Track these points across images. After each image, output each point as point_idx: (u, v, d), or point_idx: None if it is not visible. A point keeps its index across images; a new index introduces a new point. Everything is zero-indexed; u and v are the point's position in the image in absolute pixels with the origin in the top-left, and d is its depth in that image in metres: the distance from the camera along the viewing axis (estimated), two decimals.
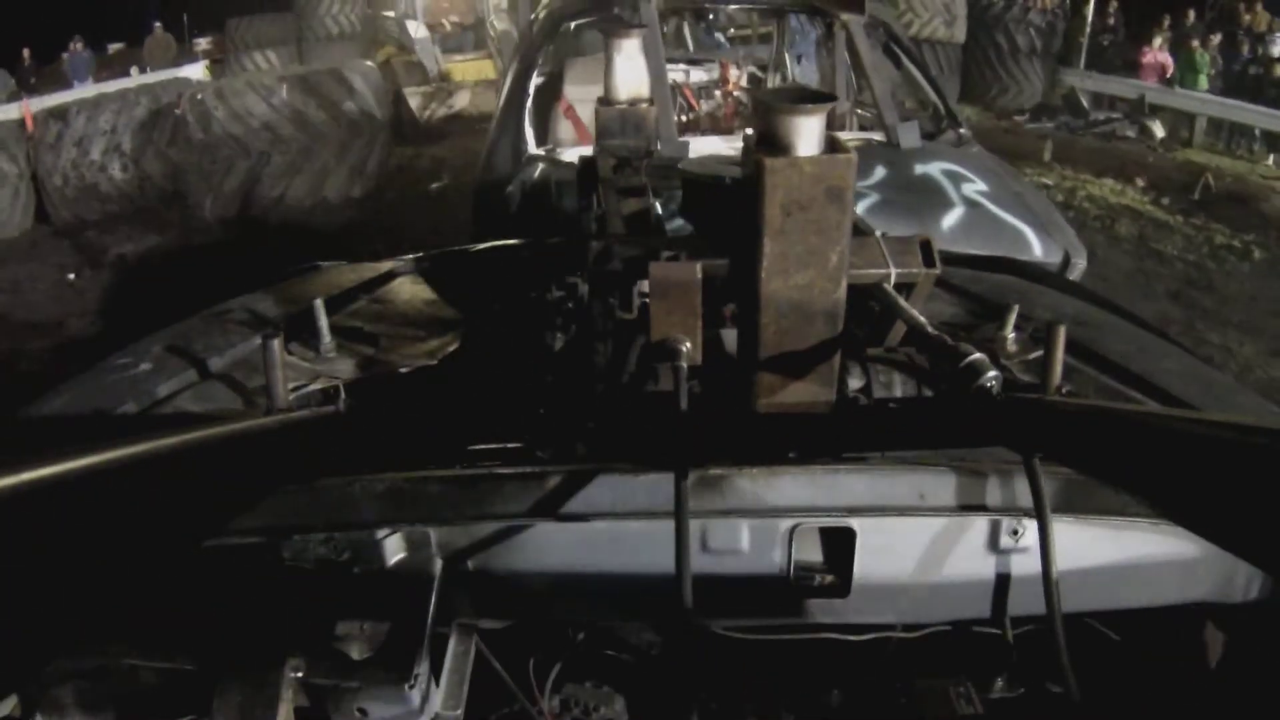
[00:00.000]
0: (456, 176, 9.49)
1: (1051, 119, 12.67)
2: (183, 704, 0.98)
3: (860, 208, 3.66)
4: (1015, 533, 1.10)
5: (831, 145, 0.99)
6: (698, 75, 6.67)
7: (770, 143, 0.98)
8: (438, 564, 1.08)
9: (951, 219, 3.90)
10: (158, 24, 16.05)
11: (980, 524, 1.10)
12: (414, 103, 12.45)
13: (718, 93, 6.64)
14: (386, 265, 2.01)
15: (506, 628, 1.18)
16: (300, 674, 0.98)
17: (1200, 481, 0.64)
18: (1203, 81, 12.35)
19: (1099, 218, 8.42)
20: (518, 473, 1.07)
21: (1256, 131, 11.41)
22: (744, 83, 6.65)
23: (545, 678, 1.26)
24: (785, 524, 1.07)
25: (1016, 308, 1.51)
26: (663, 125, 3.75)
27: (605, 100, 2.00)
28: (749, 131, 1.09)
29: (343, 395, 1.33)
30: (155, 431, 0.72)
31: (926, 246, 1.13)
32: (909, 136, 4.31)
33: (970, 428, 1.04)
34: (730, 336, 1.26)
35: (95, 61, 15.53)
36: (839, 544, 1.09)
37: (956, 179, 4.11)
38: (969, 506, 1.08)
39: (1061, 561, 1.01)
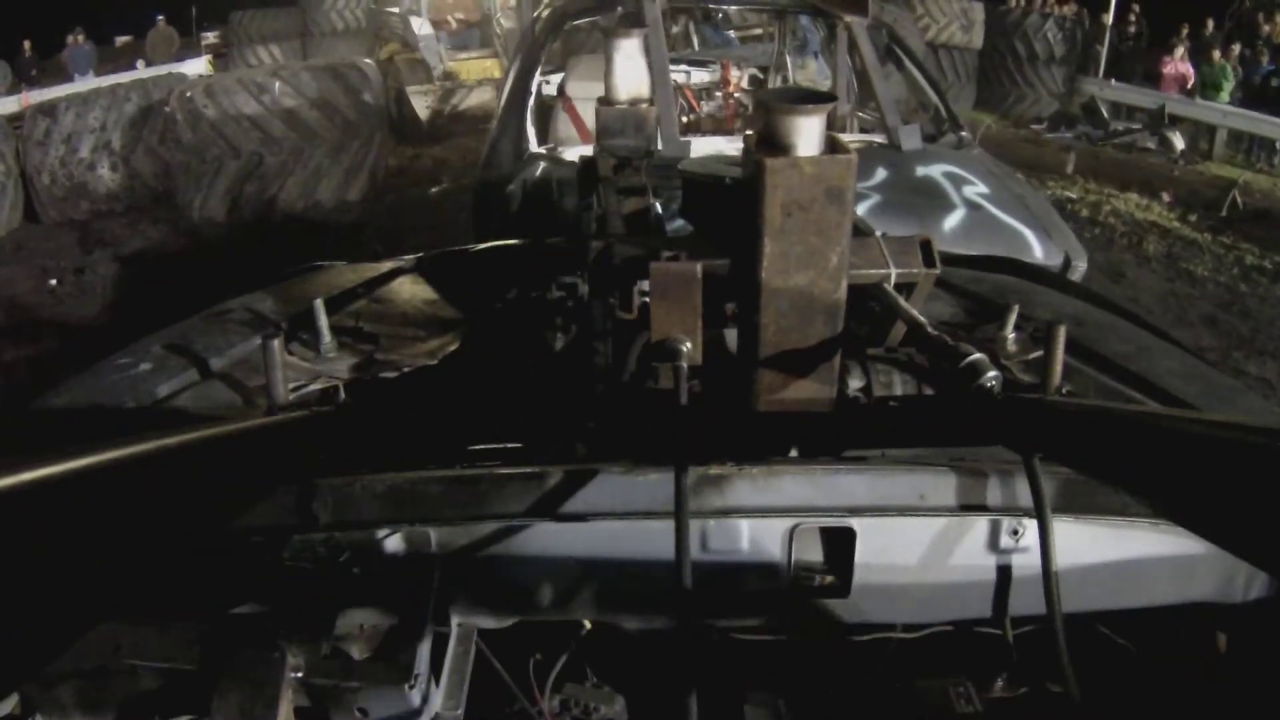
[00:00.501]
0: (458, 179, 9.36)
1: (1070, 128, 12.30)
2: (183, 704, 0.98)
3: (861, 209, 3.65)
4: (1015, 533, 1.10)
5: (832, 146, 0.99)
6: (699, 76, 6.67)
7: (771, 143, 0.99)
8: (438, 564, 1.08)
9: (952, 221, 3.90)
10: (161, 17, 15.74)
11: (980, 524, 1.10)
12: (416, 102, 12.41)
13: (719, 94, 6.64)
14: (386, 265, 2.01)
15: (506, 628, 1.18)
16: (300, 674, 0.98)
17: (1200, 481, 0.64)
18: (1225, 94, 12.10)
19: (1126, 234, 8.21)
20: (518, 473, 1.07)
21: (1278, 144, 11.16)
22: (745, 84, 6.65)
23: (545, 678, 1.26)
24: (785, 524, 1.07)
25: (1016, 308, 1.51)
26: (665, 125, 3.75)
27: (606, 100, 2.00)
28: (750, 133, 1.09)
29: (343, 395, 1.33)
30: (155, 431, 0.72)
31: (926, 246, 1.13)
32: (910, 139, 4.31)
33: (970, 428, 1.05)
34: (731, 336, 1.26)
35: (98, 55, 15.30)
36: (839, 544, 1.09)
37: (957, 181, 4.11)
38: (969, 506, 1.08)
39: (1061, 561, 1.01)
